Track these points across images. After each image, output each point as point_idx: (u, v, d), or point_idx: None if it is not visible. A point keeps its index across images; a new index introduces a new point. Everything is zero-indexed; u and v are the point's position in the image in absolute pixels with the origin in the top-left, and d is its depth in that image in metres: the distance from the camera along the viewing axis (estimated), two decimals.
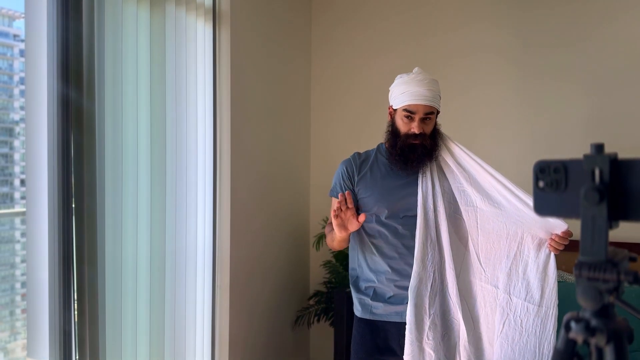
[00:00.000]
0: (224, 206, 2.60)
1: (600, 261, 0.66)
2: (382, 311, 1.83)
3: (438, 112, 1.84)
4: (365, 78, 3.26)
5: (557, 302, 1.70)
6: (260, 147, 2.88)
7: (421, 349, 1.73)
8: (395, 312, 1.82)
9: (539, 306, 1.69)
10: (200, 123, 2.47)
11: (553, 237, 1.67)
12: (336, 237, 1.80)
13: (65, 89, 1.76)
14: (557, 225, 1.66)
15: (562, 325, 0.71)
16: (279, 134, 3.10)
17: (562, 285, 2.50)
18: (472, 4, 3.03)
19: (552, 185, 0.70)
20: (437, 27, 3.11)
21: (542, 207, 0.72)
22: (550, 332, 1.68)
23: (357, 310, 1.89)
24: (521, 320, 1.69)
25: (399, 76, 1.83)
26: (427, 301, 1.74)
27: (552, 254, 1.70)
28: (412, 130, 1.77)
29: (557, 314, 1.69)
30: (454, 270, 1.78)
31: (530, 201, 1.68)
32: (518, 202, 1.70)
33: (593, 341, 0.67)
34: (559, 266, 2.71)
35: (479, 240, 1.78)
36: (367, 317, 1.86)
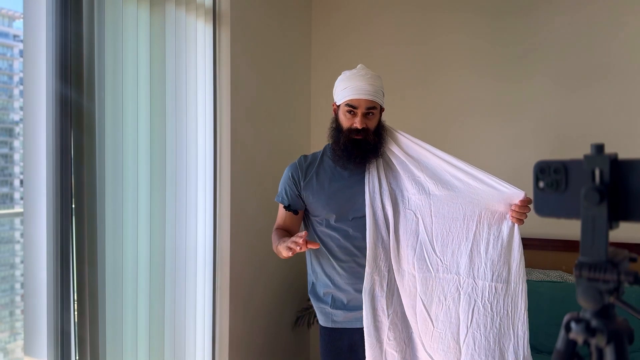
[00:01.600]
0: (224, 206, 2.60)
1: (600, 261, 0.65)
2: (342, 318, 1.80)
3: (382, 110, 1.82)
4: None
5: (525, 277, 1.61)
6: (260, 147, 2.88)
7: (382, 350, 1.68)
8: (355, 318, 1.78)
9: (507, 283, 1.59)
10: (200, 123, 2.46)
11: (513, 208, 1.59)
12: (281, 254, 1.76)
13: (64, 89, 1.76)
14: (514, 194, 1.57)
15: (562, 326, 0.71)
16: (279, 134, 3.09)
17: (562, 286, 2.50)
18: (473, 6, 3.03)
19: (552, 185, 0.70)
20: (438, 25, 3.11)
21: (543, 208, 0.72)
22: (522, 311, 1.59)
23: (320, 319, 1.86)
24: (490, 305, 1.59)
25: (342, 73, 1.81)
26: (384, 301, 1.70)
27: (516, 226, 1.62)
28: (354, 125, 1.74)
29: (526, 289, 1.60)
30: (405, 270, 1.72)
31: (484, 177, 1.63)
32: (471, 179, 1.65)
33: (593, 342, 0.67)
34: (558, 266, 2.74)
35: (434, 229, 1.70)
36: (330, 325, 1.83)
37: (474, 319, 1.61)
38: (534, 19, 2.90)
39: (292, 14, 3.26)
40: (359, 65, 1.82)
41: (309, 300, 3.28)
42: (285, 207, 1.89)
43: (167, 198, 2.19)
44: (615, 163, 0.65)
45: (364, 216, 1.75)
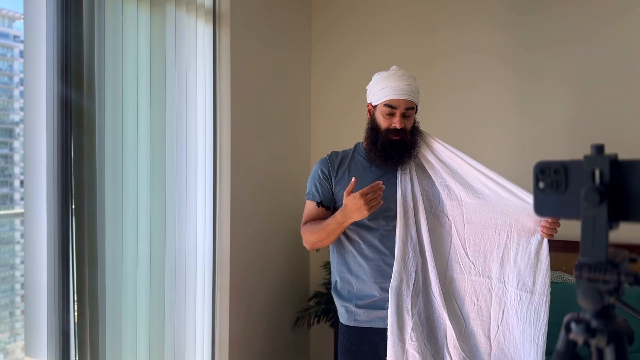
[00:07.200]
0: (224, 207, 2.60)
1: (600, 262, 0.65)
2: (365, 317, 1.80)
3: (417, 110, 1.83)
4: (367, 78, 3.24)
5: (549, 290, 1.64)
6: (260, 148, 2.88)
7: (404, 350, 1.69)
8: (378, 317, 1.78)
9: (531, 294, 1.63)
10: (200, 123, 2.47)
11: (543, 224, 1.63)
12: (336, 229, 1.72)
13: (64, 90, 1.76)
14: None
15: (563, 326, 0.71)
16: (279, 134, 3.09)
17: (562, 286, 2.50)
18: (472, 2, 3.03)
19: (552, 186, 0.70)
20: (438, 23, 3.11)
21: (543, 208, 0.72)
22: (544, 322, 1.62)
23: (342, 317, 1.86)
24: (516, 310, 1.64)
25: (377, 74, 1.83)
26: (409, 301, 1.71)
27: (545, 240, 1.65)
28: (393, 125, 1.75)
29: (549, 302, 1.64)
30: (437, 269, 1.74)
31: (515, 189, 1.66)
32: (503, 191, 1.68)
33: (593, 342, 0.67)
34: (559, 267, 2.73)
35: (466, 234, 1.75)
36: (352, 324, 1.82)
37: (504, 319, 1.67)
38: (548, 15, 2.88)
39: (292, 14, 3.26)
40: (393, 66, 1.82)
41: (309, 300, 3.28)
42: (317, 203, 1.86)
43: (167, 198, 2.19)
44: (615, 163, 0.65)
45: (395, 215, 1.76)
